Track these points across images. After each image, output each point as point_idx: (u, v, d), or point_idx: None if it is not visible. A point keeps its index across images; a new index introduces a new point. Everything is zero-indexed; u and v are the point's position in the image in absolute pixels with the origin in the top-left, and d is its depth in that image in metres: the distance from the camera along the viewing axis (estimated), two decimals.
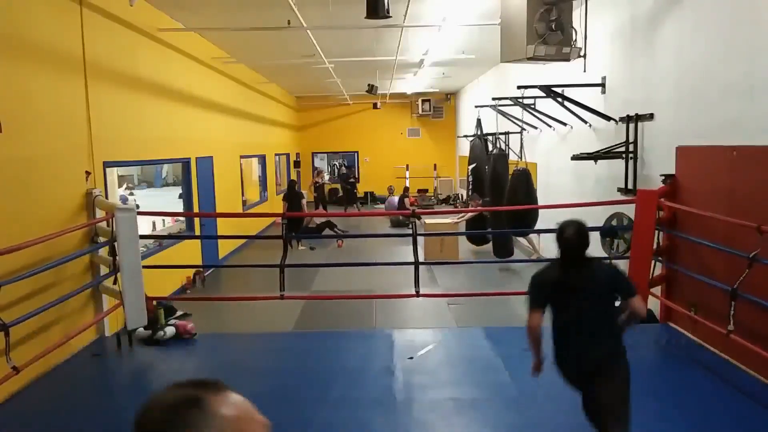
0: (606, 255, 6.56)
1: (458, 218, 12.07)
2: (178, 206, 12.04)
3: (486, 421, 4.30)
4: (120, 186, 11.17)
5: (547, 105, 9.22)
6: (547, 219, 9.15)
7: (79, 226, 5.94)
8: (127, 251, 5.89)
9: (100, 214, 6.27)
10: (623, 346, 3.35)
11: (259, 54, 12.61)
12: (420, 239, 6.87)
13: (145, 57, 8.10)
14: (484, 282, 9.39)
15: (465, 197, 15.30)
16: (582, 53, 6.35)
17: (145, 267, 6.25)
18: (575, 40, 6.18)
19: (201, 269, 9.65)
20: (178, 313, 7.19)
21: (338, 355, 5.64)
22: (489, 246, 11.42)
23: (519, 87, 8.38)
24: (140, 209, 6.77)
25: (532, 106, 9.49)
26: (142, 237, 6.57)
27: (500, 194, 9.74)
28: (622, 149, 7.07)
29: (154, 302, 6.49)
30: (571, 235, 3.29)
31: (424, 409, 4.51)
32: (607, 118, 7.50)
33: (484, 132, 11.96)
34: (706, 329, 5.34)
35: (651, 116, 6.57)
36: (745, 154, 4.92)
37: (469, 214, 11.71)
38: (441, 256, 10.99)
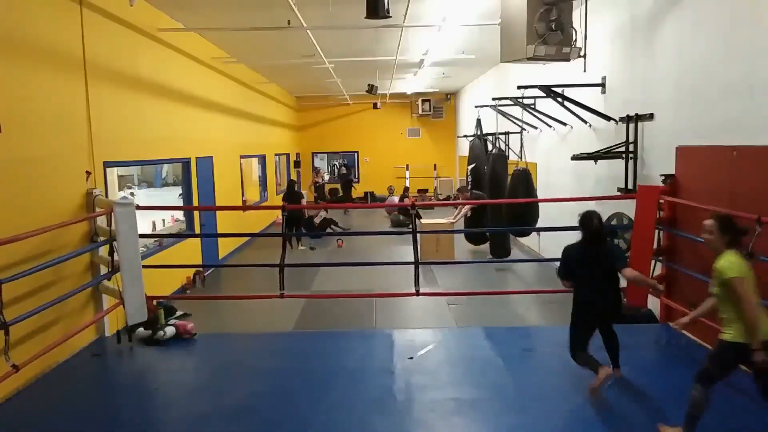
0: None
1: (453, 218, 12.07)
2: None
3: (486, 422, 4.30)
4: (121, 189, 11.13)
5: (547, 105, 9.22)
6: (547, 219, 9.16)
7: (78, 219, 5.95)
8: (126, 246, 5.88)
9: None
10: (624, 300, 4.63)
11: (259, 54, 12.61)
12: (417, 238, 6.87)
13: (145, 57, 8.10)
14: (484, 282, 9.39)
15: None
16: (582, 53, 6.35)
17: (145, 267, 6.24)
18: (575, 40, 6.18)
19: (201, 269, 9.66)
20: (178, 313, 7.20)
21: (338, 356, 5.64)
22: (488, 246, 11.41)
23: (519, 87, 8.39)
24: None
25: (532, 106, 9.49)
26: (142, 236, 6.57)
27: (500, 194, 9.75)
28: (622, 149, 7.07)
29: (155, 302, 6.49)
30: (597, 224, 4.47)
31: (424, 409, 4.51)
32: (607, 118, 7.51)
33: (484, 132, 11.96)
34: (706, 329, 5.33)
35: (651, 116, 6.57)
36: (745, 154, 4.92)
37: (464, 213, 11.68)
38: (437, 256, 10.98)
